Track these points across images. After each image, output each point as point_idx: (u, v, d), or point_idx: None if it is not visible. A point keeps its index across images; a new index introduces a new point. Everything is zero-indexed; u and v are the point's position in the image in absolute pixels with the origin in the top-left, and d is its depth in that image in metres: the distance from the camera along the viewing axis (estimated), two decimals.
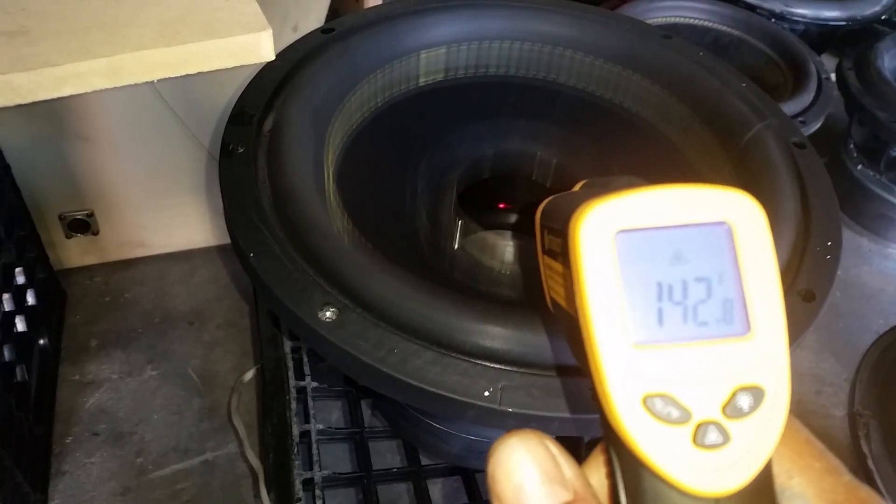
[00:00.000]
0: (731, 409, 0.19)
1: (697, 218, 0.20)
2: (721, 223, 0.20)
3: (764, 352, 0.19)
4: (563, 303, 0.23)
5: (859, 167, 0.89)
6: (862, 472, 0.65)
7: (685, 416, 0.19)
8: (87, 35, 0.40)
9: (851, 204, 0.90)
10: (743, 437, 0.19)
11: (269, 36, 0.41)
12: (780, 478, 0.21)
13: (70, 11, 0.42)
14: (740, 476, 0.19)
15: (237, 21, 0.42)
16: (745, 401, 0.19)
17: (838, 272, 0.41)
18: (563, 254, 0.21)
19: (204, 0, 0.44)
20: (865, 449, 0.66)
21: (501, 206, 0.56)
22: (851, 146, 0.90)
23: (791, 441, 0.21)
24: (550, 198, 0.27)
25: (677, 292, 0.19)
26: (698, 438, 0.19)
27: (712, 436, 0.19)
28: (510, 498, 0.19)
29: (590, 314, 0.19)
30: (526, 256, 0.51)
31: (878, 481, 0.64)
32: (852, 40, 0.93)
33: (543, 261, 0.27)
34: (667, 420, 0.19)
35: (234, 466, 0.62)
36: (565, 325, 0.23)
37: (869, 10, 0.96)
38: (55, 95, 0.39)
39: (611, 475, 0.20)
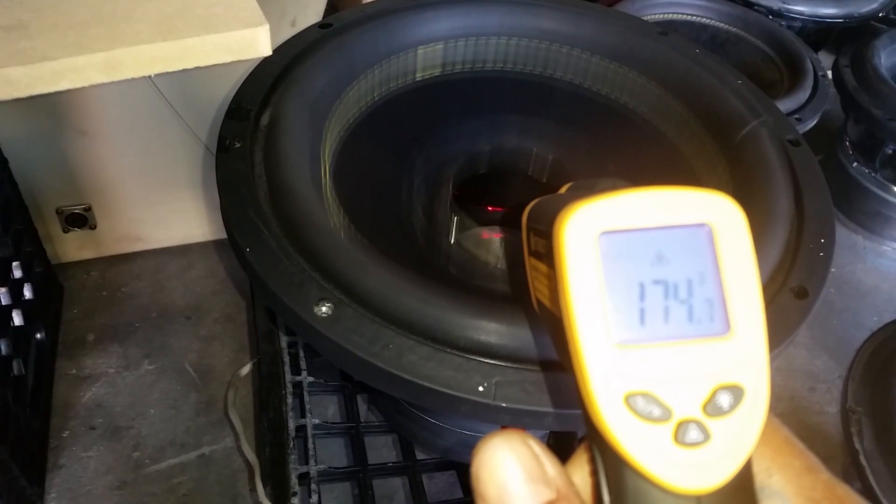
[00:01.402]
0: (711, 407, 0.19)
1: (679, 220, 0.20)
2: (702, 225, 0.20)
3: (743, 351, 0.19)
4: (547, 303, 0.23)
5: (855, 164, 0.89)
6: (854, 468, 0.65)
7: (666, 415, 0.19)
8: (84, 29, 0.40)
9: (846, 201, 0.90)
10: (723, 436, 0.19)
11: (266, 31, 0.41)
12: (760, 476, 0.21)
13: (67, 6, 0.42)
14: (721, 474, 0.19)
15: (234, 16, 0.42)
16: (725, 399, 0.19)
17: (832, 269, 0.41)
18: (547, 255, 0.22)
19: None
20: (858, 445, 0.66)
21: (495, 208, 0.56)
22: (847, 143, 0.91)
23: (771, 439, 0.21)
24: (536, 200, 0.28)
25: (659, 293, 0.20)
26: (679, 436, 0.19)
27: (693, 434, 0.19)
28: (494, 497, 0.19)
29: (573, 314, 0.19)
30: (520, 252, 0.51)
31: (870, 477, 0.64)
32: (849, 38, 0.93)
33: (529, 262, 0.27)
34: (648, 418, 0.19)
35: (230, 460, 0.62)
36: (550, 325, 0.24)
37: (866, 8, 0.96)
38: (52, 89, 0.39)
39: (594, 473, 0.20)
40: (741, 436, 0.19)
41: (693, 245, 0.20)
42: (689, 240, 0.20)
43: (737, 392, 0.19)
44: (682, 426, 0.19)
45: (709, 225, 0.20)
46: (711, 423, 0.19)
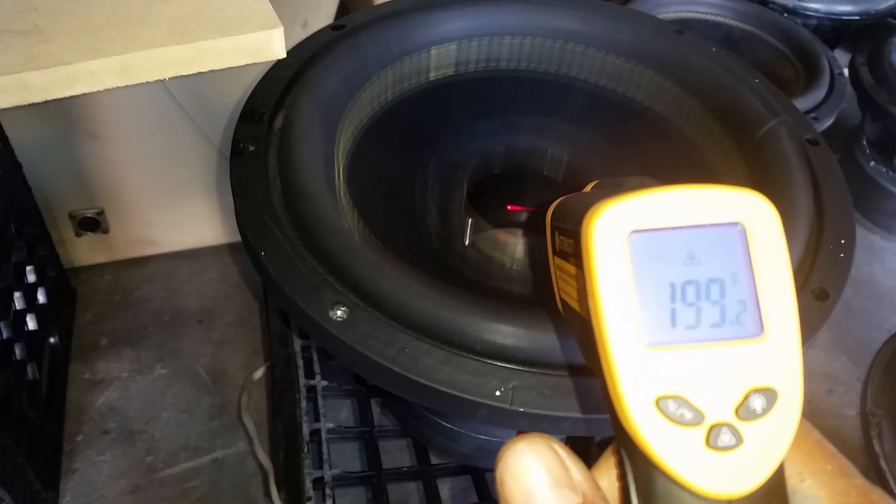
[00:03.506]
0: (744, 410, 0.19)
1: (711, 219, 0.20)
2: (735, 224, 0.20)
3: (777, 353, 0.19)
4: (574, 304, 0.23)
5: (872, 164, 0.88)
6: (874, 472, 0.65)
7: (698, 418, 0.19)
8: (98, 33, 0.40)
9: (864, 201, 0.89)
10: (756, 439, 0.19)
11: (280, 33, 0.41)
12: (792, 480, 0.21)
13: (82, 10, 0.42)
14: (753, 478, 0.19)
15: (248, 19, 0.42)
16: (758, 403, 0.19)
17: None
18: (575, 255, 0.21)
19: None
20: (878, 448, 0.65)
21: (512, 207, 0.56)
22: (864, 142, 0.90)
23: (803, 443, 0.21)
24: (561, 198, 0.27)
25: (690, 293, 0.19)
26: (711, 440, 0.19)
27: (725, 438, 0.19)
28: (519, 502, 0.19)
29: (602, 315, 0.19)
30: (536, 254, 0.51)
31: (891, 481, 0.64)
32: (866, 35, 0.92)
33: (554, 262, 0.27)
34: (680, 422, 0.19)
35: (244, 465, 0.62)
36: (576, 327, 0.23)
37: (883, 5, 0.95)
38: (68, 94, 0.39)
39: (622, 477, 0.20)
40: (774, 439, 0.19)
41: (725, 245, 0.20)
42: (721, 239, 0.20)
43: (770, 395, 0.19)
44: (714, 430, 0.19)
45: (742, 224, 0.20)
46: (744, 427, 0.19)
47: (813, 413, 0.70)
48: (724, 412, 0.19)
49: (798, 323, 0.20)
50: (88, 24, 0.41)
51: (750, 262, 0.20)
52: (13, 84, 0.37)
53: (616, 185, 0.30)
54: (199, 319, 0.73)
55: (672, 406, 0.19)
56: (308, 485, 0.51)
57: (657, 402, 0.19)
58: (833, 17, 0.93)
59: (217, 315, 0.74)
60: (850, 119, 0.92)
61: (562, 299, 0.26)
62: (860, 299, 0.80)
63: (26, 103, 0.38)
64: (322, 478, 0.52)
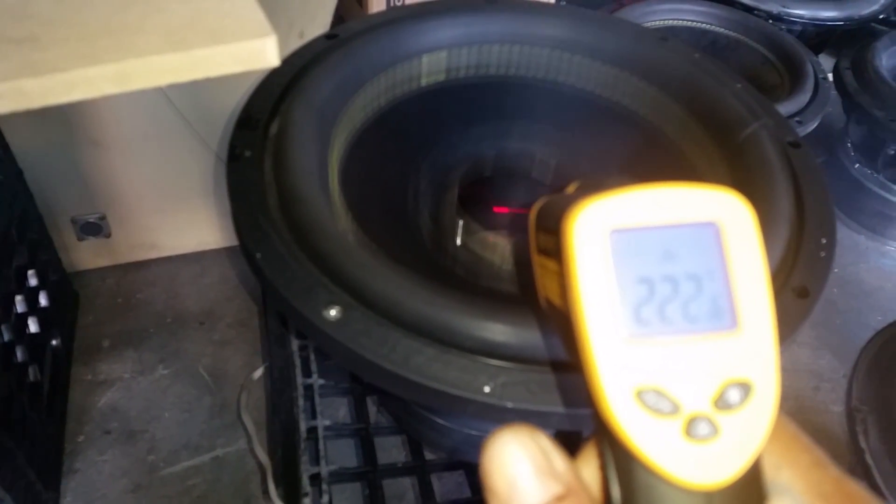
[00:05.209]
0: (720, 402, 0.19)
1: (688, 218, 0.20)
2: (711, 223, 0.20)
3: (752, 347, 0.20)
4: (556, 300, 0.24)
5: (857, 166, 0.89)
6: (860, 467, 0.65)
7: (676, 409, 0.19)
8: (95, 41, 0.41)
9: (849, 202, 0.90)
10: (732, 431, 0.19)
11: (273, 42, 0.42)
12: (769, 471, 0.21)
13: (78, 18, 0.43)
14: (730, 469, 0.19)
15: (243, 27, 0.42)
16: (734, 395, 0.19)
17: (836, 269, 0.41)
18: (556, 251, 0.22)
19: (211, 7, 0.44)
20: (863, 444, 0.66)
21: (502, 209, 0.57)
22: (849, 145, 0.91)
23: (780, 435, 0.21)
24: (544, 199, 0.28)
25: (668, 289, 0.20)
26: (689, 431, 0.19)
27: (702, 429, 0.19)
28: (503, 492, 0.19)
29: (582, 309, 0.20)
30: (525, 254, 0.51)
31: (877, 476, 0.64)
32: (850, 40, 0.93)
33: (538, 259, 0.27)
34: (658, 413, 0.19)
35: (243, 462, 0.63)
36: (558, 322, 0.24)
37: (867, 10, 0.96)
38: (64, 100, 0.40)
39: (604, 468, 0.20)
40: (751, 431, 0.19)
41: (702, 242, 0.20)
42: (697, 237, 0.20)
43: (746, 387, 0.19)
44: (691, 421, 0.19)
45: (717, 222, 0.20)
46: (721, 418, 0.19)
47: (799, 409, 0.70)
48: (701, 403, 0.19)
49: (773, 318, 0.20)
50: (85, 33, 0.42)
51: (725, 258, 0.20)
52: (10, 90, 0.38)
53: (597, 185, 0.31)
54: (199, 321, 0.74)
55: (650, 397, 0.19)
56: (305, 481, 0.52)
57: (636, 394, 0.19)
58: (817, 22, 0.93)
59: (217, 317, 0.74)
60: (835, 122, 0.93)
61: (545, 296, 0.26)
62: (845, 298, 0.81)
63: (24, 109, 0.39)
64: (319, 474, 0.53)
